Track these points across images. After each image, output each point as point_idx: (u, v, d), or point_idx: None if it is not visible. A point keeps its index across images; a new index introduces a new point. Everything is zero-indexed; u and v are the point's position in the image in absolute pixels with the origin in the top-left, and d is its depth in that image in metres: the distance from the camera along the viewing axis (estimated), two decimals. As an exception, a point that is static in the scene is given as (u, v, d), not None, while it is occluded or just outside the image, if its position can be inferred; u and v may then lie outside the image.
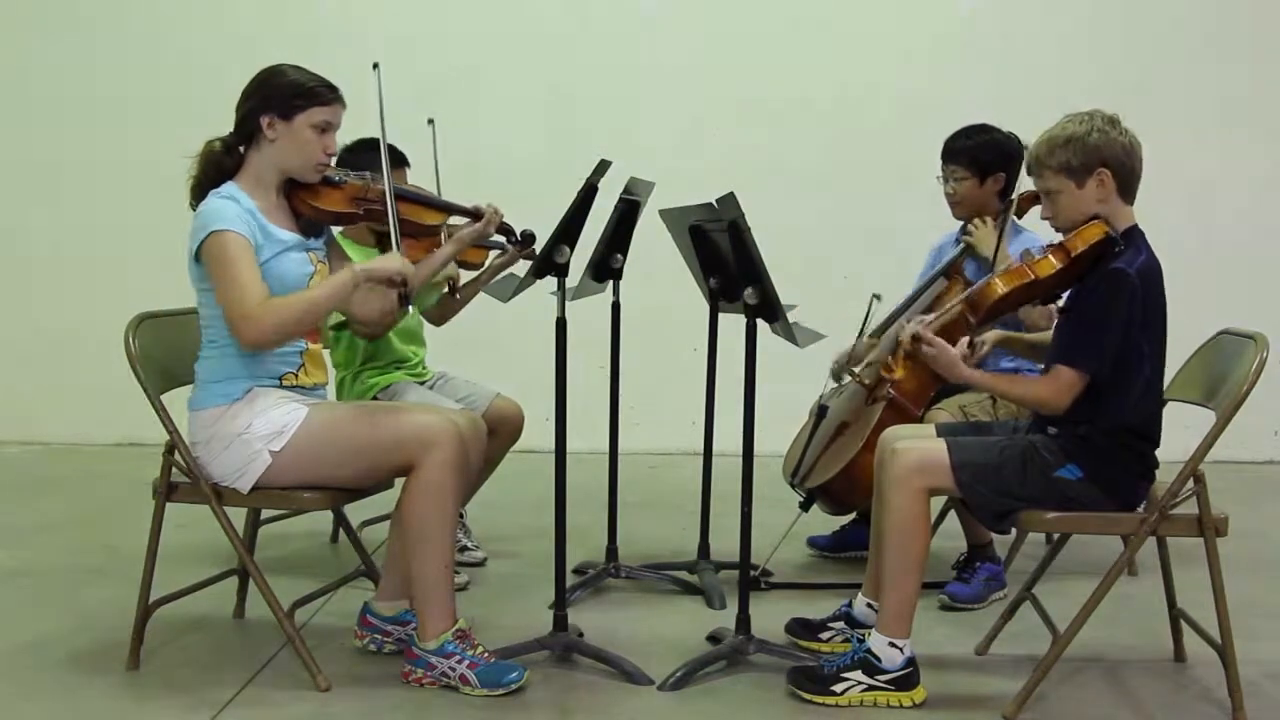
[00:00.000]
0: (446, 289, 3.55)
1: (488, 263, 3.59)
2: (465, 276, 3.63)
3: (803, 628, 2.99)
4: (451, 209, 3.03)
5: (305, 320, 2.65)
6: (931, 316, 2.69)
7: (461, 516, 3.70)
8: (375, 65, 2.77)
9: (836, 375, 3.57)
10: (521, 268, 3.03)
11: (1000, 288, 2.57)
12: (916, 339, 2.58)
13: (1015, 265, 2.60)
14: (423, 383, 3.59)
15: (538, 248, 2.87)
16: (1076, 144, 2.53)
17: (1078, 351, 2.51)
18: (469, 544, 3.68)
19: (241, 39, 5.47)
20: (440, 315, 3.74)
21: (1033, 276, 2.54)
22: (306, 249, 2.77)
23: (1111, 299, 2.47)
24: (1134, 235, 2.56)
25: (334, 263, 2.89)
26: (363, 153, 3.32)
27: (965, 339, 2.69)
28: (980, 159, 3.51)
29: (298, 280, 2.71)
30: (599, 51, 5.64)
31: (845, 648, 2.84)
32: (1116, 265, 2.48)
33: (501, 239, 3.27)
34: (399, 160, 3.50)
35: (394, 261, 2.69)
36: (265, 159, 2.72)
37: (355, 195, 2.82)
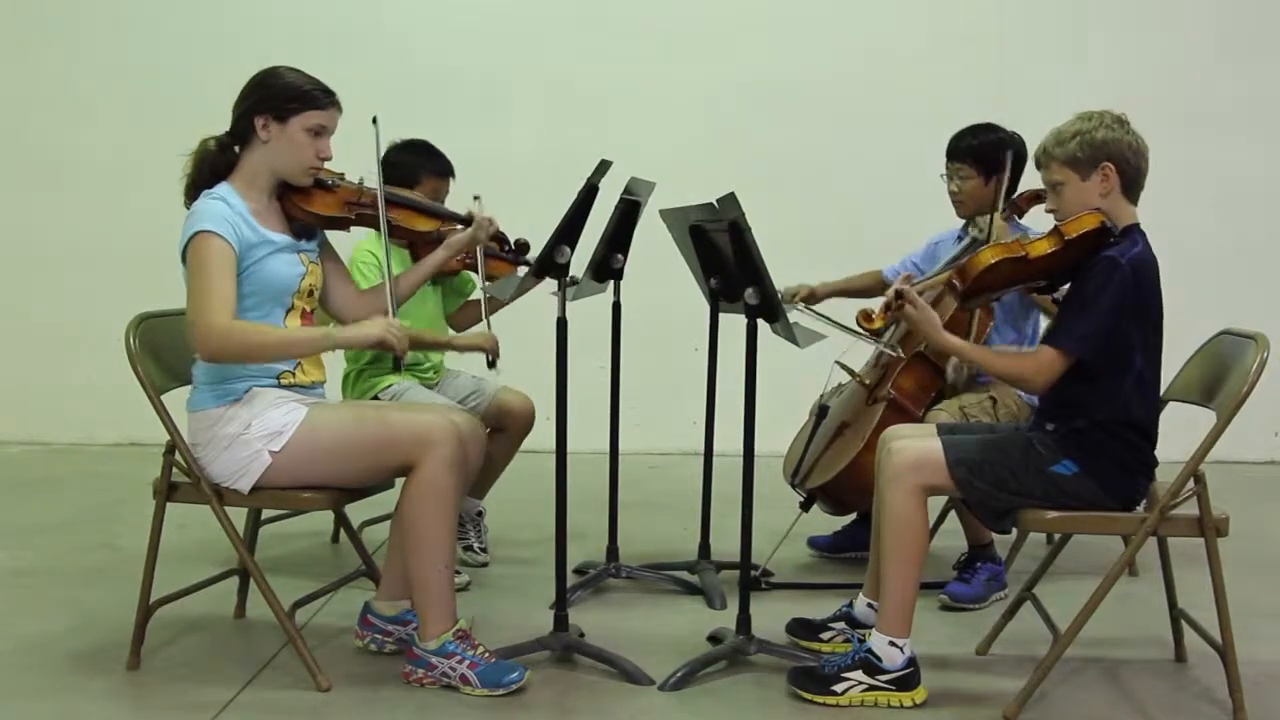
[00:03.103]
0: (485, 358, 3.48)
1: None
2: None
3: (803, 628, 2.99)
4: (445, 216, 3.03)
5: (261, 356, 2.65)
6: (918, 277, 2.70)
7: (480, 515, 3.71)
8: (374, 119, 2.77)
9: (789, 298, 3.61)
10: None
11: (989, 257, 2.59)
12: (900, 295, 2.59)
13: (1009, 240, 2.63)
14: (430, 385, 3.59)
15: (536, 249, 2.86)
16: (1084, 138, 2.56)
17: (1061, 333, 2.54)
18: (477, 545, 3.68)
19: (242, 37, 5.48)
20: (463, 322, 3.74)
21: (1024, 253, 2.57)
22: (298, 250, 2.77)
23: (1100, 286, 2.49)
24: (1132, 232, 2.57)
25: (328, 264, 2.89)
26: (408, 154, 3.36)
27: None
28: (986, 158, 3.50)
29: (289, 281, 2.72)
30: (600, 50, 5.64)
31: (846, 648, 2.84)
32: (1108, 253, 2.51)
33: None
34: (445, 170, 3.51)
35: (373, 331, 2.66)
36: (258, 160, 2.72)
37: (347, 200, 2.82)
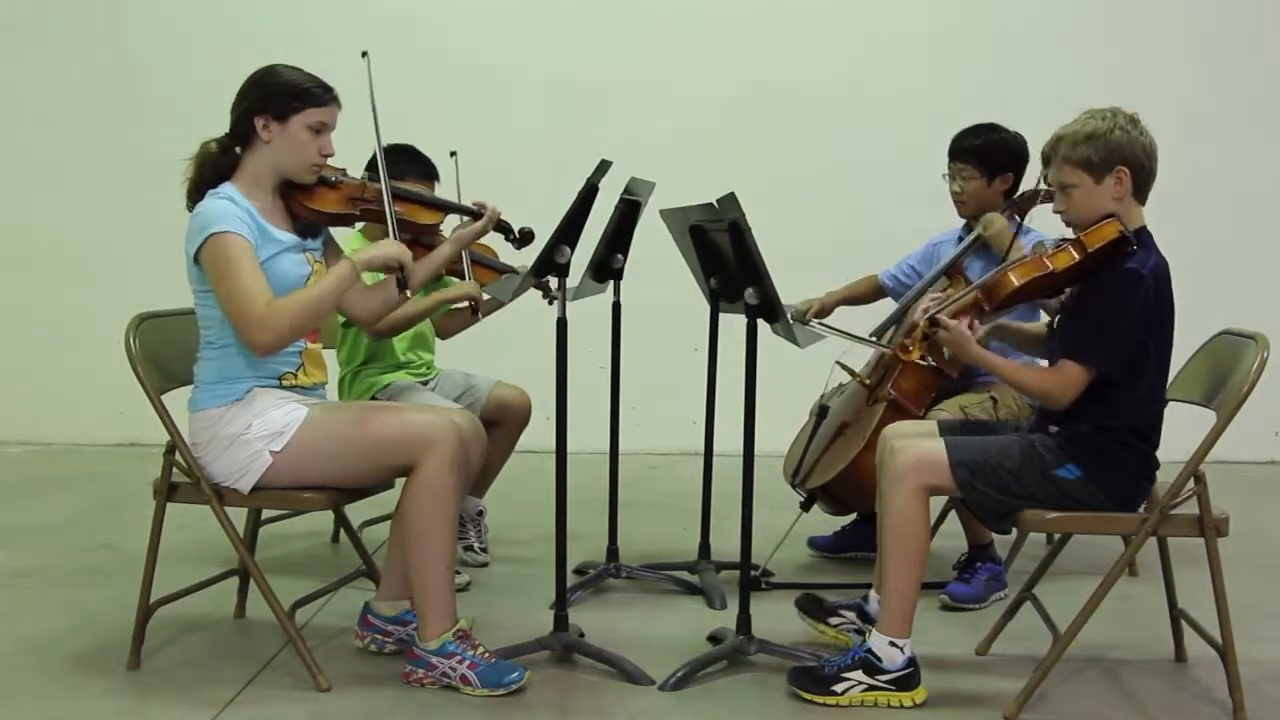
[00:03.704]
0: (468, 308, 3.53)
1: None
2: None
3: (813, 604, 2.98)
4: (449, 208, 3.03)
5: (312, 317, 2.66)
6: (948, 301, 2.69)
7: (480, 515, 3.72)
8: (364, 54, 2.76)
9: (800, 317, 3.63)
10: (527, 257, 3.02)
11: (1015, 280, 2.57)
12: (934, 322, 2.58)
13: (1030, 258, 2.60)
14: (425, 383, 3.60)
15: (537, 247, 2.86)
16: (1099, 140, 2.52)
17: (1088, 349, 2.51)
18: (477, 545, 3.68)
19: (241, 34, 5.47)
20: (449, 327, 3.75)
21: (1050, 269, 2.55)
22: (304, 249, 2.77)
23: (1125, 299, 2.47)
24: (1144, 236, 2.56)
25: (331, 263, 2.89)
26: (393, 157, 3.39)
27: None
28: (989, 158, 3.49)
29: (296, 281, 2.71)
30: (600, 49, 5.64)
31: (848, 640, 2.85)
32: (1130, 265, 2.48)
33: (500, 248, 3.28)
34: (429, 173, 3.53)
35: (390, 247, 2.71)
36: (261, 160, 2.71)
37: (351, 195, 2.82)
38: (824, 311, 3.76)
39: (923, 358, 2.87)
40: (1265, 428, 5.60)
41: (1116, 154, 2.52)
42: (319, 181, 2.78)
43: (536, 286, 3.29)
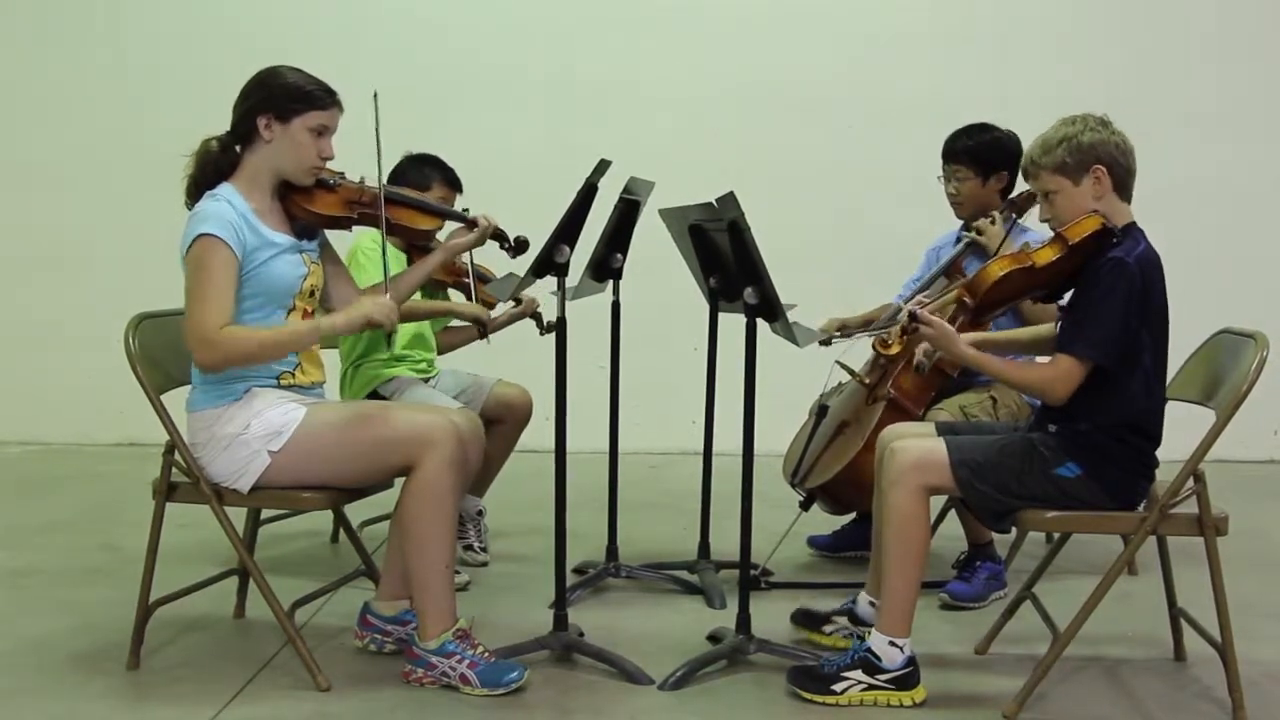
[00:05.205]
0: (476, 330, 3.59)
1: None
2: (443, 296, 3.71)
3: (807, 618, 3.00)
4: (447, 215, 3.03)
5: (260, 357, 2.66)
6: (929, 297, 2.69)
7: (480, 515, 3.72)
8: (375, 95, 2.76)
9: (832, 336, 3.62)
10: (522, 266, 3.03)
11: (998, 271, 2.58)
12: (914, 317, 2.59)
13: (1014, 252, 2.62)
14: (426, 381, 3.60)
15: (536, 247, 2.87)
16: (1071, 143, 2.55)
17: (1079, 340, 2.52)
18: (477, 545, 3.68)
19: (241, 34, 5.48)
20: (448, 343, 3.77)
21: (1031, 263, 2.56)
22: (300, 251, 2.77)
23: (1109, 287, 2.47)
24: (1132, 230, 2.57)
25: (328, 265, 2.90)
26: (422, 164, 3.50)
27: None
28: (983, 158, 3.50)
29: (292, 283, 2.72)
30: (600, 49, 5.65)
31: (846, 643, 2.85)
32: (1114, 254, 2.49)
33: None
34: (454, 182, 3.57)
35: (362, 309, 2.67)
36: (261, 160, 2.72)
37: (349, 199, 2.82)
38: (846, 329, 3.69)
39: (904, 354, 2.85)
40: (1265, 427, 5.60)
41: (1090, 153, 2.54)
42: (317, 184, 2.78)
43: (531, 316, 3.35)
